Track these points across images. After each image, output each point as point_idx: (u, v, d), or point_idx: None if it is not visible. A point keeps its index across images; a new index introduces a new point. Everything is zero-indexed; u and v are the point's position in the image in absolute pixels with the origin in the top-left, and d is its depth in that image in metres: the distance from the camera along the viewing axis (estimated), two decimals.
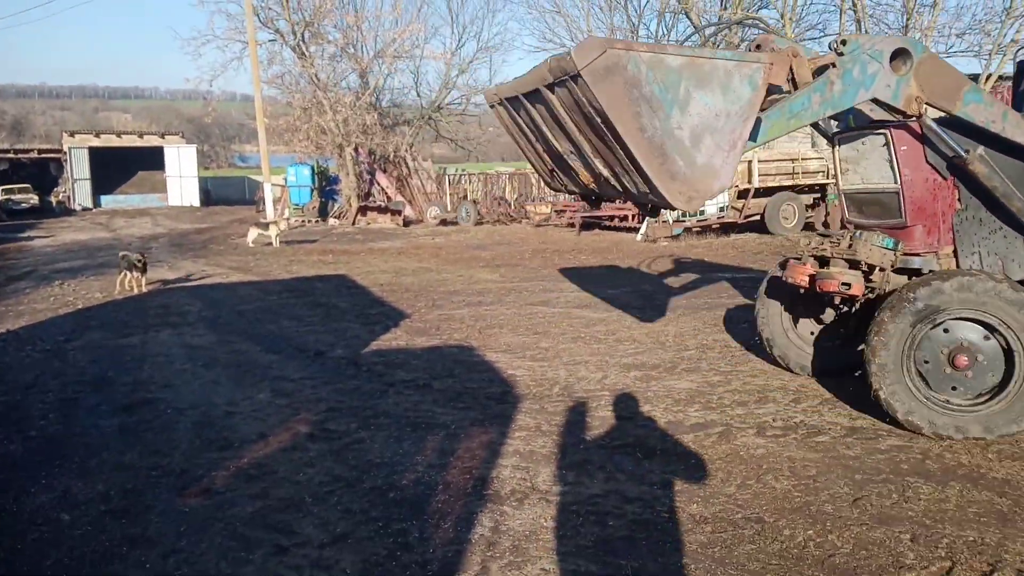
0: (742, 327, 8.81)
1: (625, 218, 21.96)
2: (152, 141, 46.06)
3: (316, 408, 6.40)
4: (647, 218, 20.13)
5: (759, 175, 19.56)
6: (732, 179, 4.13)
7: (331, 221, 28.67)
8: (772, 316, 6.77)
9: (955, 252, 5.67)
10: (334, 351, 8.49)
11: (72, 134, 45.75)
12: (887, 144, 5.56)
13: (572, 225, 22.77)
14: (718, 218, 19.75)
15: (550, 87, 4.13)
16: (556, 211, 24.80)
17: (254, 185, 46.28)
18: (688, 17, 28.66)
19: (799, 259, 6.06)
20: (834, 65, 4.79)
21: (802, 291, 6.11)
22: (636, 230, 20.59)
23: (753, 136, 4.48)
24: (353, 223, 27.39)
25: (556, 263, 15.93)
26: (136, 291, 12.62)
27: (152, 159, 45.08)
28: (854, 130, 5.99)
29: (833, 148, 6.20)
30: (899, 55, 4.86)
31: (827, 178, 19.92)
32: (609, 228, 22.48)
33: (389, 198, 30.47)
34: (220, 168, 74.79)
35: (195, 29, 64.39)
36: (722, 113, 3.96)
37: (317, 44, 29.10)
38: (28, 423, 6.18)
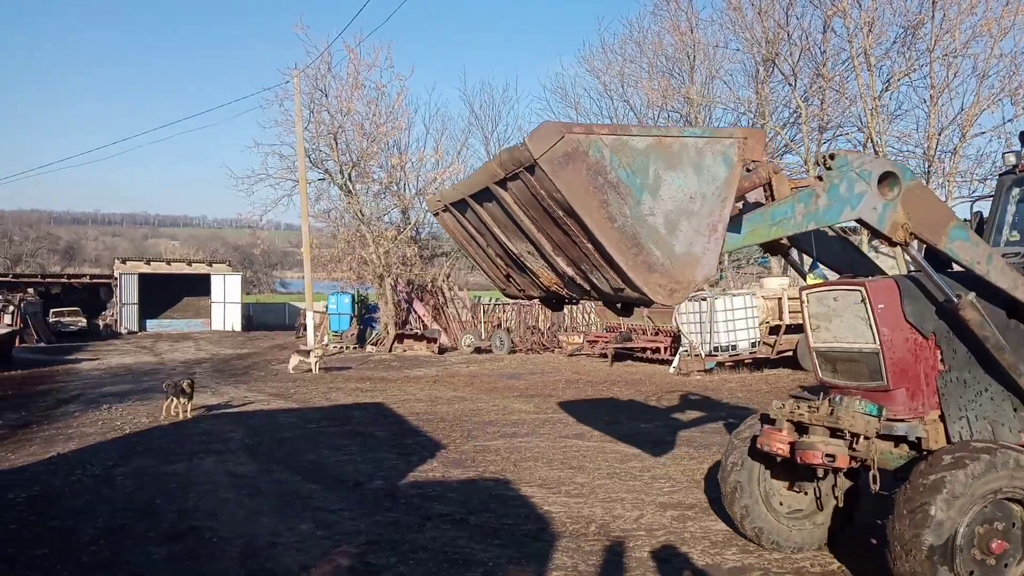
0: None
1: (657, 350, 22.13)
2: (200, 269, 48.04)
3: (356, 541, 6.53)
4: (680, 351, 20.33)
5: (789, 311, 19.79)
6: (717, 267, 3.69)
7: (368, 348, 29.25)
8: (750, 486, 6.08)
9: (942, 417, 5.21)
10: (372, 482, 8.65)
11: (124, 261, 48.00)
12: (863, 301, 5.24)
13: (604, 356, 22.97)
14: (750, 353, 19.84)
15: (502, 183, 3.80)
16: (588, 341, 25.08)
17: (294, 311, 47.58)
18: None
19: (774, 423, 5.67)
20: (820, 179, 4.58)
21: (779, 460, 5.72)
22: (669, 362, 20.72)
23: (732, 239, 4.29)
24: (390, 350, 27.91)
25: (590, 394, 16.06)
26: (182, 417, 13.00)
27: (199, 285, 46.86)
28: (824, 284, 5.79)
29: (801, 303, 5.90)
30: (887, 178, 4.64)
31: None
32: (641, 360, 22.62)
33: (425, 326, 31.13)
34: (262, 294, 77.04)
35: (248, 168, 68.87)
36: (697, 195, 3.63)
37: (363, 183, 30.80)
38: (80, 549, 6.39)
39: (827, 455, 5.14)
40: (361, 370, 22.16)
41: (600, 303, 4.37)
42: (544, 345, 27.50)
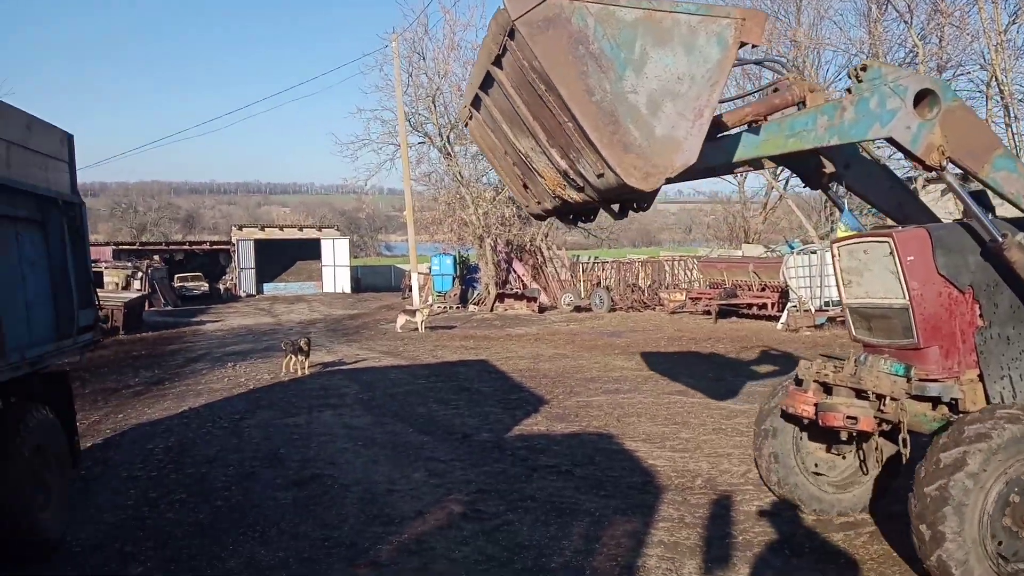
0: None
1: (764, 306, 21.57)
2: (310, 234, 50.00)
3: (467, 489, 6.79)
4: (788, 306, 19.73)
5: None
6: (697, 154, 3.38)
7: (471, 307, 29.84)
8: (784, 452, 5.81)
9: (981, 376, 4.80)
10: (480, 434, 8.92)
11: (240, 228, 50.50)
12: (892, 253, 4.90)
13: (708, 312, 22.58)
14: None
15: (497, 62, 3.62)
16: (691, 298, 24.70)
17: (399, 273, 48.91)
18: None
19: (801, 384, 5.47)
20: (849, 91, 4.27)
21: (806, 422, 5.47)
22: (776, 319, 20.16)
23: (744, 147, 4.15)
24: (491, 309, 28.36)
25: (693, 351, 15.87)
26: (300, 373, 13.73)
27: (309, 250, 48.83)
28: (854, 236, 5.47)
29: (832, 256, 5.60)
30: (925, 97, 4.30)
31: None
32: (747, 316, 22.12)
33: (525, 285, 31.41)
34: (368, 257, 79.46)
35: (352, 135, 70.89)
36: (685, 76, 3.34)
37: (461, 144, 31.07)
38: (214, 493, 6.92)
39: (849, 417, 4.91)
40: (464, 329, 22.65)
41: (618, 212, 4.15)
42: (645, 303, 27.28)
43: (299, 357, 13.88)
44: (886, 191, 5.44)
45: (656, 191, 3.58)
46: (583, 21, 3.20)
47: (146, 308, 29.59)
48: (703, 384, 11.67)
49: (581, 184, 3.73)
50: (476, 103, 4.32)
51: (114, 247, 47.35)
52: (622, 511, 6.10)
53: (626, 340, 18.41)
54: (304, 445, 8.60)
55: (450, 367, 14.56)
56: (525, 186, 4.43)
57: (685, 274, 31.34)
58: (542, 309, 28.26)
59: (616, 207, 4.08)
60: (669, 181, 3.49)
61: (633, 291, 28.80)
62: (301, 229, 52.07)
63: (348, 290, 46.73)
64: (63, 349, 6.18)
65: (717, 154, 4.16)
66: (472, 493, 6.66)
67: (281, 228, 51.79)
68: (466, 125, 4.81)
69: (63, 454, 6.07)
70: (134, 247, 50.05)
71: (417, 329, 21.51)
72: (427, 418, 9.93)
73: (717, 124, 4.20)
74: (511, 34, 3.32)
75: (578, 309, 27.69)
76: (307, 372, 13.87)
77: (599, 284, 30.18)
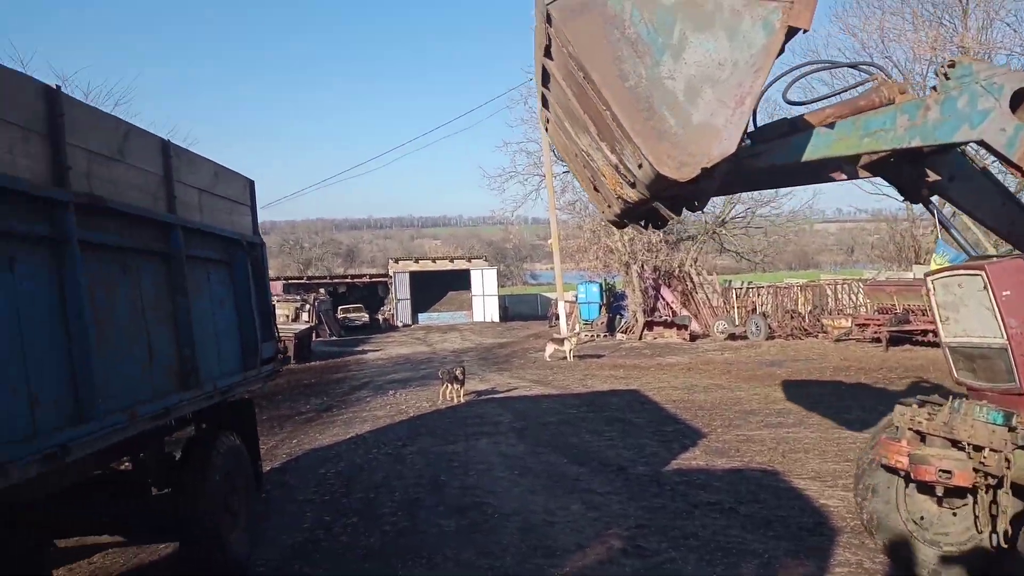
0: None
1: None
2: (460, 265, 51.69)
3: (625, 523, 6.68)
4: None
5: None
6: (736, 143, 3.18)
7: (619, 336, 29.55)
8: (887, 508, 5.30)
9: None
10: (635, 467, 8.76)
11: (396, 260, 53.00)
12: (985, 287, 4.48)
13: (877, 340, 21.11)
14: None
15: (547, 53, 3.57)
16: (857, 324, 23.20)
17: (545, 301, 49.44)
18: None
19: (895, 433, 4.96)
20: (935, 89, 3.94)
21: (902, 475, 4.95)
22: None
23: (814, 146, 3.89)
24: (640, 337, 27.96)
25: (863, 382, 14.87)
26: (456, 401, 14.13)
27: (460, 280, 50.46)
28: (949, 268, 4.93)
29: (927, 291, 5.09)
30: None
31: None
32: (922, 344, 20.46)
33: (674, 312, 30.74)
34: (514, 286, 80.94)
35: (499, 167, 72.86)
36: (727, 62, 3.17)
37: None
38: (382, 518, 7.21)
39: (942, 471, 4.44)
40: (613, 358, 22.45)
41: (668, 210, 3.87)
42: (805, 330, 25.91)
43: (455, 385, 14.29)
44: (997, 208, 4.87)
45: (710, 186, 3.43)
46: (620, 5, 3.14)
47: (314, 339, 31.50)
48: (875, 418, 10.85)
49: (632, 179, 3.57)
50: (546, 103, 4.31)
51: (284, 281, 50.90)
52: (793, 553, 5.77)
53: (787, 370, 17.54)
54: (463, 472, 8.80)
55: (601, 397, 14.46)
56: (595, 188, 4.29)
57: (849, 299, 29.55)
58: (693, 337, 27.51)
59: (669, 204, 3.90)
60: (722, 190, 3.33)
61: (792, 317, 27.46)
62: (452, 260, 53.90)
63: (496, 319, 47.75)
64: (249, 379, 6.68)
65: (784, 152, 3.96)
66: (631, 528, 6.55)
67: (434, 260, 53.80)
68: (547, 129, 4.75)
69: (249, 478, 6.54)
70: (301, 281, 53.64)
71: (566, 358, 21.57)
72: (581, 449, 9.89)
73: (794, 125, 4.05)
74: (549, 20, 3.26)
75: (732, 337, 26.72)
76: (462, 400, 14.23)
77: (754, 310, 29.04)
